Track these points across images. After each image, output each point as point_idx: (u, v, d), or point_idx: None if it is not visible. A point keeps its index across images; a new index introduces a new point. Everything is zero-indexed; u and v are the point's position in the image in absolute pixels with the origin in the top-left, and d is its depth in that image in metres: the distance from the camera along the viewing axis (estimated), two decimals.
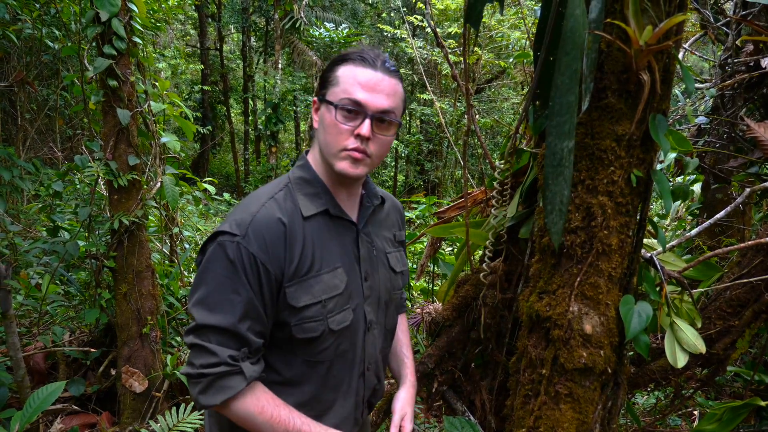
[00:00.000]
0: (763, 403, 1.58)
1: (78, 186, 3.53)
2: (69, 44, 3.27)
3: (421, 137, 15.14)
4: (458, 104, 11.50)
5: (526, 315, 1.40)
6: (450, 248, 6.36)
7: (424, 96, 13.55)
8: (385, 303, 1.49)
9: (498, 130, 12.78)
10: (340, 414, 1.42)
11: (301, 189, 1.34)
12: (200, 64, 14.96)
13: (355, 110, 1.25)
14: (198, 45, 15.86)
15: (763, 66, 1.85)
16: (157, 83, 3.39)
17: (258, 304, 1.22)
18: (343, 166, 1.28)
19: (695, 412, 3.26)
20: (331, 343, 1.34)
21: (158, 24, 3.57)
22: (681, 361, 1.45)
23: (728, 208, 1.70)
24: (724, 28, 2.27)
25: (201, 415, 2.91)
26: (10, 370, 2.88)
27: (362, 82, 1.25)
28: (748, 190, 1.68)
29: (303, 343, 1.31)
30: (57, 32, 4.85)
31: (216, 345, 1.20)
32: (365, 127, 1.24)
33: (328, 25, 12.53)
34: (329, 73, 1.31)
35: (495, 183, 1.72)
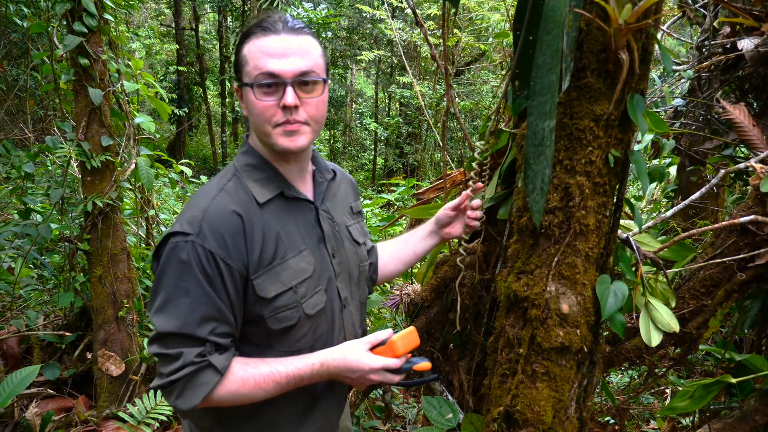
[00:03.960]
0: (733, 381, 1.61)
1: (50, 167, 3.45)
2: (38, 21, 3.16)
3: (401, 120, 15.08)
4: (438, 87, 11.47)
5: (504, 295, 1.41)
6: None
7: (404, 78, 13.46)
8: (356, 277, 1.47)
9: (477, 113, 12.78)
10: (330, 396, 1.41)
11: (251, 175, 1.27)
12: (175, 44, 14.66)
13: (273, 83, 1.20)
14: (173, 24, 15.51)
15: (740, 48, 1.86)
16: (130, 62, 3.31)
17: (223, 305, 1.17)
18: (283, 142, 1.23)
19: (668, 391, 3.33)
20: (308, 329, 1.31)
21: (131, 2, 3.48)
22: (655, 340, 1.47)
23: (702, 190, 1.72)
24: (701, 9, 2.28)
25: None
26: None
27: (270, 52, 1.19)
28: (722, 171, 1.69)
29: (280, 334, 1.27)
30: (25, 9, 4.71)
31: (179, 349, 1.15)
32: (289, 97, 1.19)
33: (306, 5, 12.34)
34: (237, 56, 1.25)
35: (474, 164, 1.72)
